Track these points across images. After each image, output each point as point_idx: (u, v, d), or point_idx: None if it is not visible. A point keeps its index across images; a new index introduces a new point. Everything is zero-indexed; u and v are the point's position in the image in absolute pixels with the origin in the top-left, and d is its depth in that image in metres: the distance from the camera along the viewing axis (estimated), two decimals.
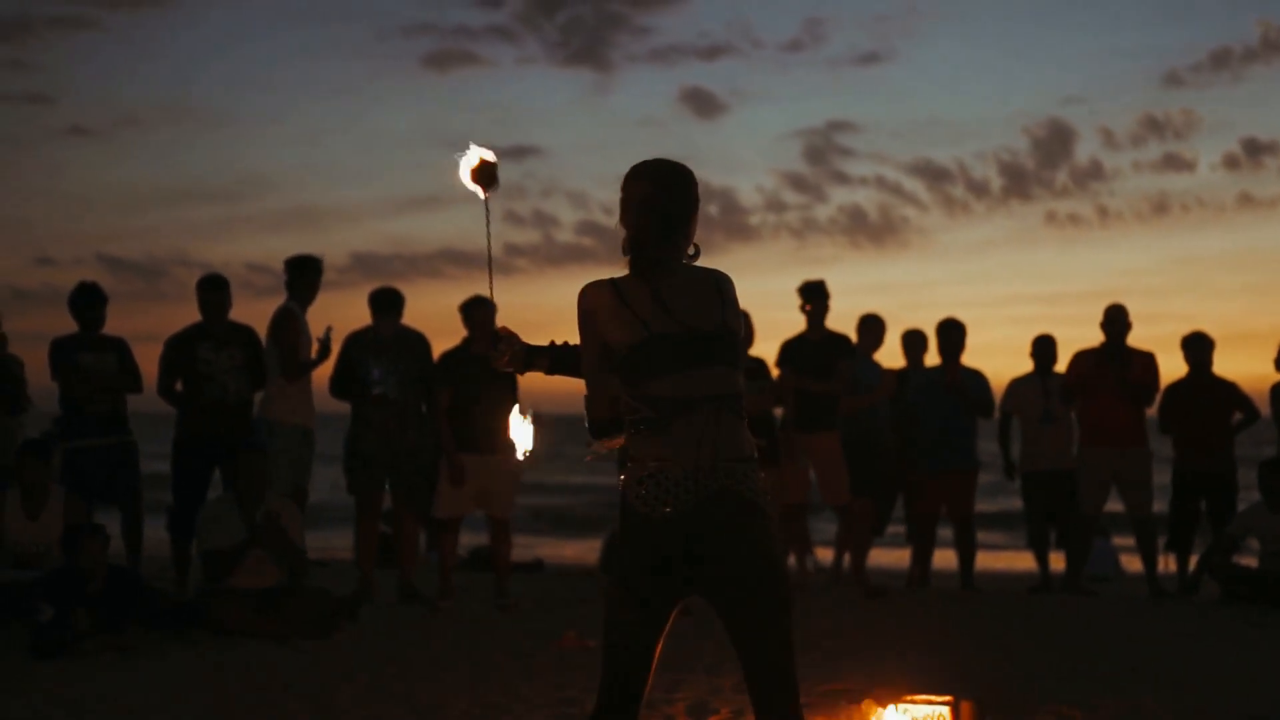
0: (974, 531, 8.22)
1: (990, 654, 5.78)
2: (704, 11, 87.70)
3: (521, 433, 3.06)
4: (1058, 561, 8.46)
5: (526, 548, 13.93)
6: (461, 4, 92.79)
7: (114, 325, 7.23)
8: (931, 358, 8.29)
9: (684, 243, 2.84)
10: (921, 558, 8.27)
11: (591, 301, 2.79)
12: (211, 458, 7.05)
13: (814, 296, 7.75)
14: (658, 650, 2.81)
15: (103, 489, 7.00)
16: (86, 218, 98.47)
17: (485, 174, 3.01)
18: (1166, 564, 8.57)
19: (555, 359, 3.03)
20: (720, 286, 2.83)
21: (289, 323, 7.08)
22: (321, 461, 8.32)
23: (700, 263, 2.88)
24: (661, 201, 2.80)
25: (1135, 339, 8.14)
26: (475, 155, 3.02)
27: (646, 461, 2.75)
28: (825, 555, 9.81)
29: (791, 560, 8.02)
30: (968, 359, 8.21)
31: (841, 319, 8.22)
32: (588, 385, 2.87)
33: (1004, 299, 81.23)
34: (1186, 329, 8.15)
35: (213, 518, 6.37)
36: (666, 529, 2.72)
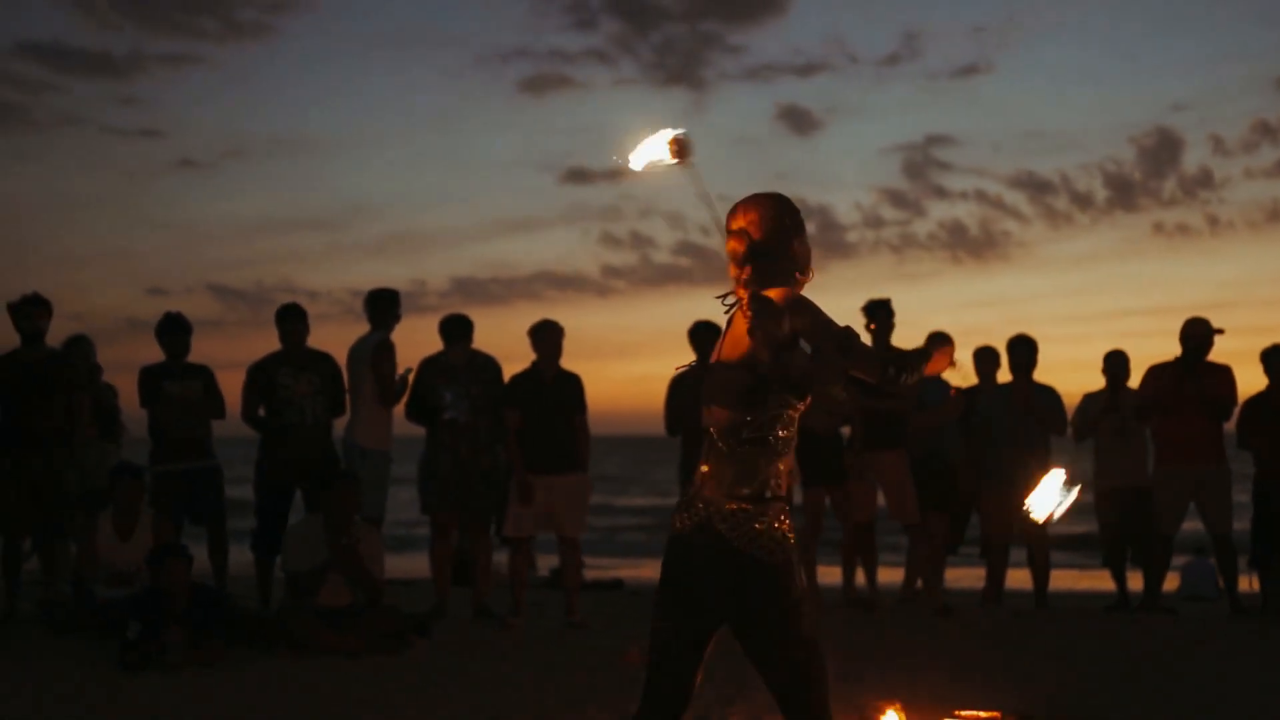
0: (1047, 550, 8.15)
1: (1059, 672, 5.74)
2: (799, 29, 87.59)
3: (1051, 497, 2.95)
4: (1137, 581, 8.34)
5: (608, 568, 14.07)
6: (557, 28, 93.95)
7: (222, 352, 7.65)
8: (1004, 375, 8.25)
9: (773, 269, 2.85)
10: (994, 577, 8.21)
11: None
12: (292, 479, 7.31)
13: (878, 315, 7.80)
14: (699, 667, 2.88)
15: (189, 510, 7.31)
16: (196, 248, 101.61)
17: (680, 147, 2.94)
18: (1251, 583, 8.41)
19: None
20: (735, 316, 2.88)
21: (389, 353, 7.38)
22: (400, 484, 8.54)
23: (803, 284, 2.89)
24: (747, 235, 2.88)
25: (1249, 352, 7.98)
26: (661, 141, 2.95)
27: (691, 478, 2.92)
28: (892, 575, 9.77)
29: (861, 579, 8.03)
30: (1070, 373, 8.17)
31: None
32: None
33: (1110, 313, 79.28)
34: None
35: (299, 539, 6.62)
36: (671, 548, 2.87)
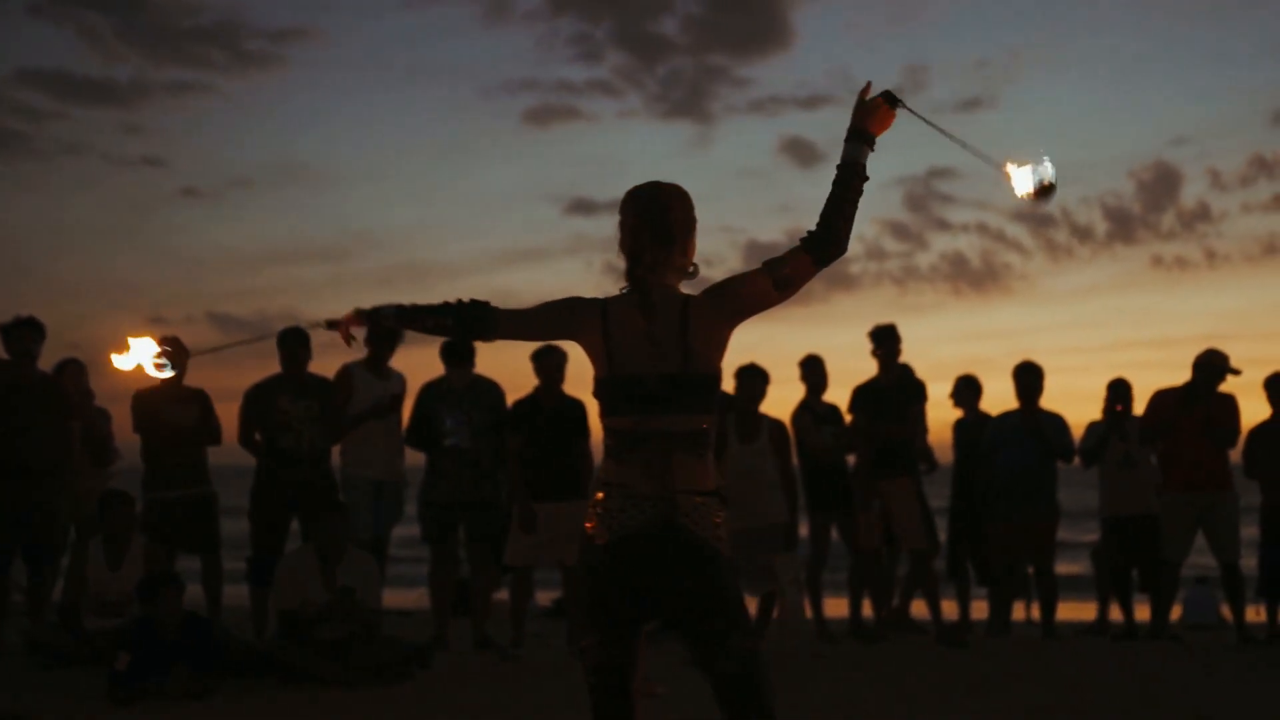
0: (1054, 579, 8.04)
1: (1062, 700, 5.64)
2: (803, 61, 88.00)
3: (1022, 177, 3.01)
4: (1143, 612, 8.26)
5: None
6: (562, 60, 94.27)
7: (221, 380, 7.50)
8: (1010, 403, 8.19)
9: (679, 260, 2.88)
10: (1000, 606, 8.11)
11: (580, 311, 2.90)
12: (289, 507, 7.16)
13: (884, 341, 7.75)
14: (636, 680, 2.83)
15: (183, 539, 7.14)
16: (198, 277, 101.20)
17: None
18: (1258, 612, 8.33)
19: (401, 315, 3.08)
20: (687, 317, 2.80)
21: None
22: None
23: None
24: (651, 221, 2.86)
25: (1248, 384, 7.94)
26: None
27: (604, 485, 2.85)
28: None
29: (867, 609, 7.90)
30: (1071, 405, 8.14)
31: (945, 367, 8.25)
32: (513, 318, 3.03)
33: (1110, 344, 79.49)
34: None
35: (291, 573, 6.42)
36: (613, 553, 2.78)
